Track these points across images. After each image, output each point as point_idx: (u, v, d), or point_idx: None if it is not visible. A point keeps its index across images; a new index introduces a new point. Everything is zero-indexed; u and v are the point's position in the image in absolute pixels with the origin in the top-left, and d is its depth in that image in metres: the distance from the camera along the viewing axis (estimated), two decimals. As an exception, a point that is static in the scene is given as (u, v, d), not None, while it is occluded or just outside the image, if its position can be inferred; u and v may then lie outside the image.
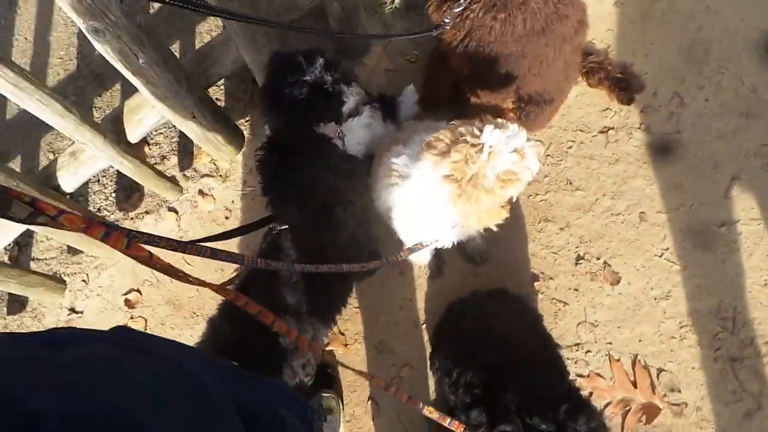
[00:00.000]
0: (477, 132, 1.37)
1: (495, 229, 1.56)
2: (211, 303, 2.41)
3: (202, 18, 2.81)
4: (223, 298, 1.27)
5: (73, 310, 2.52)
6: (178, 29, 2.85)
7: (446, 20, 1.76)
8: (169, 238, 1.03)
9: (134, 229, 1.07)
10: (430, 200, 1.56)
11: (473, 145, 1.35)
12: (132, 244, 0.94)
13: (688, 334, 2.18)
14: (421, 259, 2.24)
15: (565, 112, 2.47)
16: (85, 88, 2.79)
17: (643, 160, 2.38)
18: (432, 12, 1.85)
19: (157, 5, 2.88)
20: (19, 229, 2.17)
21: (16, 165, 2.68)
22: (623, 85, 2.39)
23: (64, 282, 2.54)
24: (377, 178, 1.87)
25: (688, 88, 2.43)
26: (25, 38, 2.89)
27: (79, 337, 0.81)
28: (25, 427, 0.51)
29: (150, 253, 0.98)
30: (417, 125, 1.95)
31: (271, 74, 1.79)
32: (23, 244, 2.65)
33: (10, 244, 2.46)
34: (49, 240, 2.61)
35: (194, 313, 2.44)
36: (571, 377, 1.71)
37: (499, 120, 1.48)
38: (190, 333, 2.41)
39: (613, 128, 2.43)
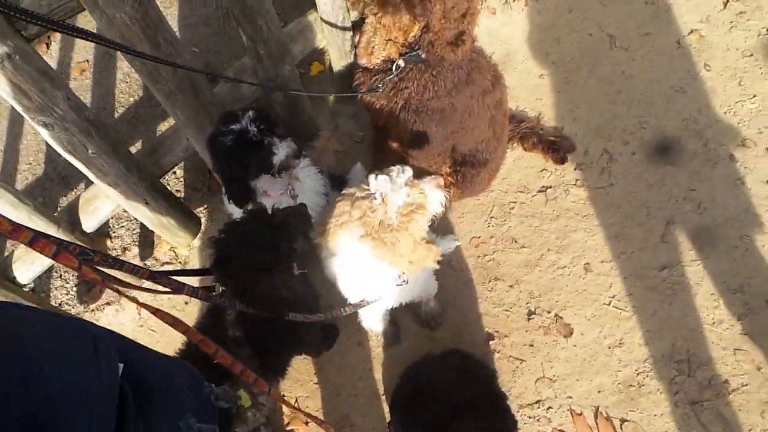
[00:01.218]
0: (365, 186, 1.48)
1: (436, 266, 1.62)
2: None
3: (163, 119, 3.01)
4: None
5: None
6: (140, 130, 3.04)
7: (380, 85, 1.92)
8: (104, 253, 1.08)
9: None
10: (361, 262, 1.64)
11: (366, 198, 1.45)
12: (61, 252, 0.95)
13: (646, 381, 2.17)
14: (375, 327, 2.26)
15: (505, 175, 2.61)
16: (51, 189, 2.93)
17: (583, 213, 2.49)
18: (359, 83, 2.02)
19: (121, 109, 3.09)
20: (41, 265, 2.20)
21: (-20, 267, 2.75)
22: (555, 146, 2.56)
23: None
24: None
25: (614, 144, 2.59)
26: (-4, 148, 3.07)
27: (5, 303, 0.87)
28: None
29: (80, 263, 0.99)
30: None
31: (214, 126, 1.89)
32: (39, 290, 2.67)
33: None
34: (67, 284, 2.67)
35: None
36: None
37: (385, 168, 1.60)
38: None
39: (551, 187, 2.56)
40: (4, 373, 0.65)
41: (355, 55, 2.11)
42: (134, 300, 1.13)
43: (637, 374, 2.19)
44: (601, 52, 2.82)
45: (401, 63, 1.86)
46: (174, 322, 1.19)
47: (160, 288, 1.27)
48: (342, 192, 1.59)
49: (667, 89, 2.67)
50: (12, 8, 0.98)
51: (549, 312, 2.33)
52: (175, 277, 1.31)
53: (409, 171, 1.52)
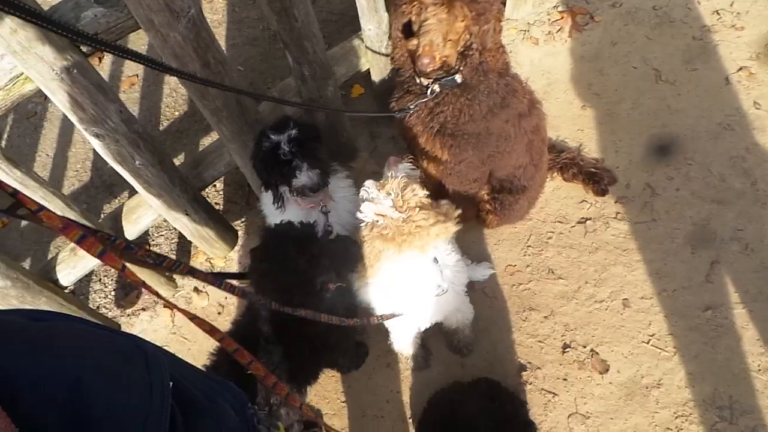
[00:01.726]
0: (376, 200, 1.57)
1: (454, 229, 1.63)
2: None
3: (206, 134, 3.08)
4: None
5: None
6: (184, 144, 3.12)
7: (411, 106, 1.95)
8: (147, 249, 1.10)
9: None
10: (400, 276, 1.67)
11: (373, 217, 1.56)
12: (106, 252, 0.97)
13: (685, 425, 2.09)
14: (406, 349, 2.24)
15: (543, 205, 2.58)
16: (96, 196, 3.02)
17: (623, 247, 2.43)
18: (395, 103, 2.05)
19: (166, 123, 3.18)
20: (83, 269, 2.27)
21: (26, 265, 2.83)
22: (596, 178, 2.52)
23: (118, 326, 2.60)
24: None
25: (658, 179, 2.54)
26: (47, 155, 3.18)
27: (57, 315, 0.88)
28: None
29: (124, 265, 1.01)
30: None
31: (257, 135, 1.98)
32: (78, 293, 2.75)
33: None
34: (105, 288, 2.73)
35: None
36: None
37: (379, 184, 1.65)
38: None
39: (590, 219, 2.52)
40: (53, 388, 0.64)
41: (395, 70, 2.15)
42: (173, 305, 1.15)
43: (676, 417, 2.10)
44: (646, 85, 2.78)
45: (436, 88, 1.88)
46: (211, 330, 1.20)
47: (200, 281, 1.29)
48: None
49: (714, 126, 2.61)
50: (71, 32, 1.03)
51: (584, 346, 2.27)
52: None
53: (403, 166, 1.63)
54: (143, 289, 1.08)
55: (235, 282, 1.44)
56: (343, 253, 1.73)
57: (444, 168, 2.13)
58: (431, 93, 1.90)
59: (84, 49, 1.63)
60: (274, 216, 2.08)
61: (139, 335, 2.38)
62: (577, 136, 2.73)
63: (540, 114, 2.13)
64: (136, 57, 1.16)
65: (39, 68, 1.53)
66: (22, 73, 1.58)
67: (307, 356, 1.79)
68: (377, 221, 1.56)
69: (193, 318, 1.16)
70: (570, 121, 2.76)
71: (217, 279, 1.34)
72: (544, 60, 2.96)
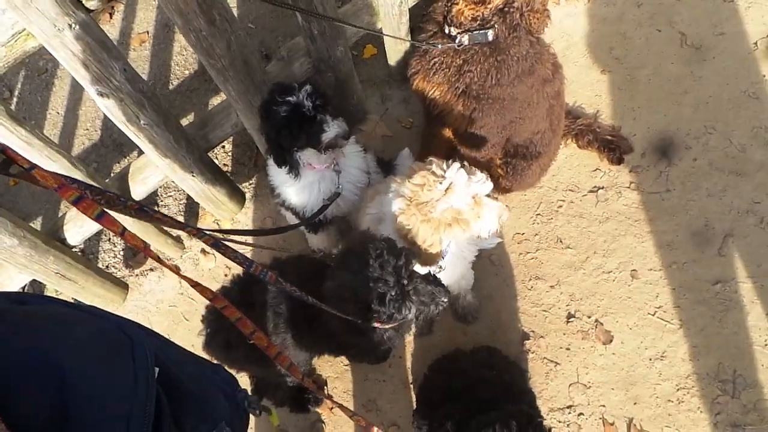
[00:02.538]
0: (444, 167, 1.45)
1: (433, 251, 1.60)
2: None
3: (216, 94, 3.05)
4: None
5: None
6: (194, 103, 3.09)
7: (438, 45, 1.85)
8: (164, 215, 1.08)
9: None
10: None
11: (435, 175, 1.43)
12: (104, 215, 0.92)
13: (686, 397, 2.08)
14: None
15: (555, 172, 2.52)
16: (106, 155, 3.02)
17: (634, 218, 2.38)
18: (414, 70, 1.98)
19: (176, 81, 3.15)
20: (90, 229, 2.29)
21: (37, 224, 2.87)
22: (612, 146, 2.45)
23: (126, 286, 2.65)
24: (363, 209, 1.97)
25: (676, 148, 2.46)
26: (57, 112, 3.17)
27: (42, 298, 0.86)
28: None
29: (124, 228, 0.96)
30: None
31: (267, 94, 1.90)
32: (88, 252, 2.80)
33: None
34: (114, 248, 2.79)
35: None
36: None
37: (472, 168, 1.56)
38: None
39: (602, 188, 2.46)
40: (35, 374, 0.64)
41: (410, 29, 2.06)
42: (176, 271, 1.13)
43: (678, 390, 2.10)
44: (670, 50, 2.67)
45: (465, 40, 1.79)
46: (214, 298, 1.18)
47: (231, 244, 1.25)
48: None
49: (738, 94, 2.51)
50: None
51: (589, 317, 2.26)
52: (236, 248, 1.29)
53: (488, 186, 1.52)
54: (125, 240, 1.03)
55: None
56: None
57: (463, 132, 2.08)
58: (459, 44, 1.81)
59: (89, 5, 1.59)
60: (285, 185, 2.06)
61: (148, 293, 2.41)
62: (595, 102, 2.64)
63: (561, 79, 2.06)
64: None
65: (41, 24, 1.50)
66: (25, 29, 1.55)
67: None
68: (439, 185, 1.50)
69: (196, 285, 1.13)
70: (588, 87, 2.67)
71: (249, 262, 1.29)
72: (564, 21, 2.84)
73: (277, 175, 2.06)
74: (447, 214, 1.45)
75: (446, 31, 1.83)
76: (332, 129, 1.81)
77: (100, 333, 0.77)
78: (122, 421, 0.68)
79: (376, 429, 1.39)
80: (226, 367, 1.20)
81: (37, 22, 1.49)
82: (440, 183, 1.46)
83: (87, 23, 1.57)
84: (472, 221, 1.47)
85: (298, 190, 2.07)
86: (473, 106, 1.91)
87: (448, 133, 2.19)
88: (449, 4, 1.76)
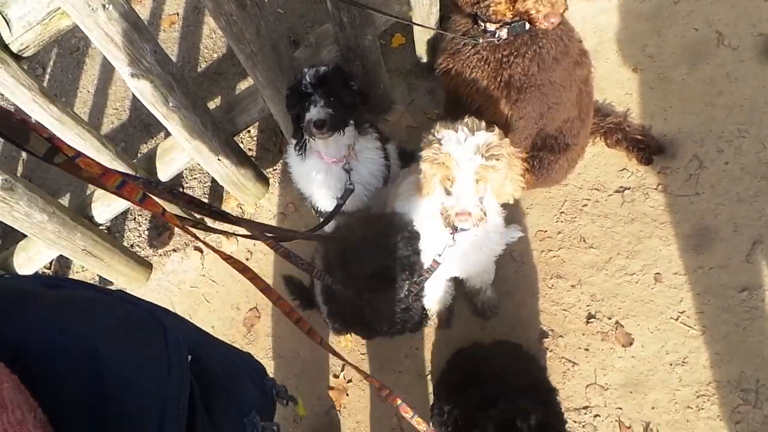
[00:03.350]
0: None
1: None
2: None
3: (244, 78, 3.06)
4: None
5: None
6: (221, 87, 3.11)
7: (476, 40, 1.84)
8: (204, 203, 1.11)
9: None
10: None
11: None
12: (146, 198, 0.97)
13: (706, 405, 2.05)
14: (434, 304, 2.24)
15: (581, 170, 2.49)
16: (134, 135, 3.06)
17: (660, 220, 2.34)
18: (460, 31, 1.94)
19: (204, 64, 3.17)
20: (117, 208, 2.34)
21: (65, 201, 2.93)
22: (642, 145, 2.40)
23: (150, 266, 2.70)
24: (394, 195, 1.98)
25: (707, 150, 2.40)
26: (88, 91, 3.22)
27: (74, 282, 0.87)
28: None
29: (164, 209, 1.02)
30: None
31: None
32: (114, 231, 2.86)
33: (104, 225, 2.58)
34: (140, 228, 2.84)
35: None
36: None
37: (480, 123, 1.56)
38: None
39: (629, 188, 2.42)
40: (71, 359, 0.63)
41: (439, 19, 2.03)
42: (209, 245, 1.16)
43: (698, 396, 2.07)
44: (706, 49, 2.60)
45: (504, 34, 1.78)
46: (243, 269, 1.21)
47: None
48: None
49: (775, 98, 2.44)
50: None
51: (610, 318, 2.23)
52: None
53: (486, 136, 1.50)
54: (174, 231, 1.09)
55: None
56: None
57: (501, 126, 2.04)
58: (498, 39, 1.80)
59: (122, -15, 1.61)
60: (294, 166, 2.07)
61: (171, 274, 2.46)
62: (625, 100, 2.59)
63: (589, 64, 2.02)
64: None
65: (74, 2, 1.52)
66: (59, 8, 1.57)
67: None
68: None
69: (228, 258, 1.20)
70: (619, 84, 2.62)
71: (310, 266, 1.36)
72: (597, 17, 2.78)
73: (291, 155, 2.07)
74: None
75: (481, 26, 1.82)
76: (312, 111, 1.78)
77: (133, 319, 0.76)
78: (158, 407, 0.67)
79: (399, 401, 1.41)
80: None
81: (71, 1, 1.51)
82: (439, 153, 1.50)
83: (120, 3, 1.59)
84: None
85: (303, 174, 2.08)
86: (516, 97, 1.88)
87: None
88: (484, 4, 1.74)
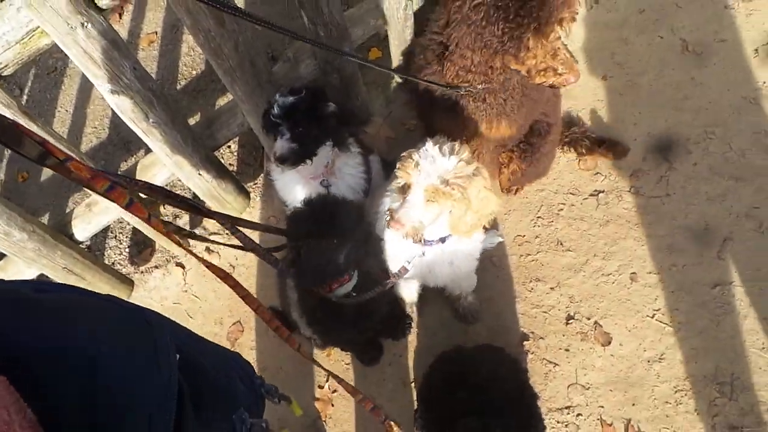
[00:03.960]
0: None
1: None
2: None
3: (223, 94, 3.09)
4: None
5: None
6: (201, 103, 3.14)
7: (479, 86, 1.78)
8: (188, 199, 1.13)
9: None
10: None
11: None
12: (133, 203, 0.99)
13: (684, 399, 2.10)
14: (411, 294, 2.28)
15: (556, 176, 2.55)
16: (113, 153, 3.07)
17: (634, 221, 2.41)
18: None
19: (184, 81, 3.19)
20: (97, 225, 2.33)
21: (44, 220, 2.91)
22: (611, 143, 2.47)
23: (131, 283, 2.68)
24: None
25: (676, 153, 2.48)
26: (66, 110, 3.23)
27: (61, 286, 0.89)
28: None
29: (149, 215, 1.04)
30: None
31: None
32: (94, 249, 2.83)
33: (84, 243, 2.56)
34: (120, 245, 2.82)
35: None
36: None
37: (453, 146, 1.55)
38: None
39: (603, 191, 2.49)
40: (63, 361, 0.65)
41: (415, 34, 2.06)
42: (193, 253, 1.18)
43: (676, 392, 2.12)
44: (671, 56, 2.70)
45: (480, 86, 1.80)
46: (225, 276, 1.23)
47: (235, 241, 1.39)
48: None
49: (738, 99, 2.53)
50: None
51: (589, 318, 2.28)
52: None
53: (458, 166, 1.48)
54: (156, 248, 1.11)
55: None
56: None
57: (499, 139, 2.06)
58: (481, 87, 1.79)
59: (101, 4, 1.63)
60: (279, 178, 2.10)
61: (153, 290, 2.46)
62: (597, 106, 2.67)
63: None
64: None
65: (54, 22, 1.54)
66: (38, 27, 1.59)
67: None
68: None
69: (210, 265, 1.22)
70: (590, 91, 2.70)
71: (247, 239, 1.39)
72: (566, 27, 2.87)
73: (273, 166, 2.07)
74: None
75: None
76: (276, 144, 1.83)
77: (122, 320, 0.79)
78: (149, 406, 0.70)
79: (372, 405, 1.43)
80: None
81: (50, 20, 1.53)
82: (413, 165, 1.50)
83: (99, 21, 1.62)
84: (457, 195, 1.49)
85: (284, 185, 2.12)
86: (511, 117, 1.91)
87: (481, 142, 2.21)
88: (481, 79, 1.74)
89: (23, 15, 1.53)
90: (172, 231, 1.17)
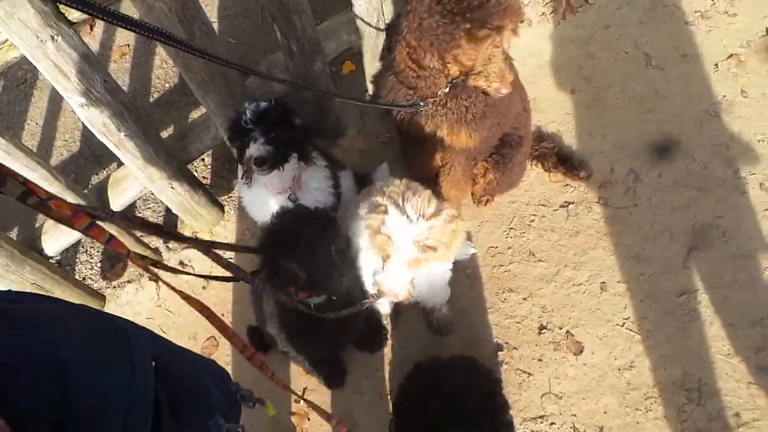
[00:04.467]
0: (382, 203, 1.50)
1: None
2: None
3: (196, 107, 3.07)
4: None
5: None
6: (173, 116, 3.11)
7: (422, 103, 1.88)
8: (170, 232, 1.12)
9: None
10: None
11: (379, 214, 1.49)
12: (113, 239, 1.01)
13: (654, 406, 2.14)
14: (385, 307, 2.31)
15: (527, 188, 2.60)
16: (84, 166, 3.02)
17: (603, 232, 2.46)
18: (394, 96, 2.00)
19: (156, 94, 3.17)
20: (67, 240, 2.29)
21: (13, 235, 2.85)
22: (575, 165, 2.53)
23: (103, 298, 2.63)
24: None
25: (642, 164, 2.56)
26: (36, 123, 3.17)
27: (36, 296, 0.89)
28: None
29: (129, 251, 1.06)
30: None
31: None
32: (65, 264, 2.77)
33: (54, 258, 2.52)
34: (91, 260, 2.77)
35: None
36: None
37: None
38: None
39: (573, 203, 2.54)
40: (36, 369, 0.65)
41: (387, 49, 2.10)
42: (167, 284, 1.18)
43: (646, 399, 2.16)
44: (636, 70, 2.79)
45: (446, 89, 1.85)
46: (201, 309, 1.24)
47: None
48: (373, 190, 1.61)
49: (700, 112, 2.63)
50: None
51: (561, 328, 2.32)
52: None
53: (427, 225, 1.48)
54: (128, 262, 1.12)
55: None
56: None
57: (465, 150, 2.10)
58: (442, 93, 1.86)
59: (71, 17, 1.62)
60: (245, 194, 2.11)
61: (126, 305, 2.41)
62: (565, 119, 2.74)
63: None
64: (123, 22, 1.13)
65: (23, 34, 1.53)
66: (7, 40, 1.57)
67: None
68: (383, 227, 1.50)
69: (187, 297, 1.22)
70: (559, 105, 2.77)
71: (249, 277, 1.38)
72: (535, 42, 2.95)
73: (240, 183, 2.10)
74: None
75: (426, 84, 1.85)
76: (252, 148, 1.82)
77: (97, 328, 0.80)
78: (121, 413, 0.71)
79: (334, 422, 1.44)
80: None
81: (19, 33, 1.52)
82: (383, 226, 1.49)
83: (69, 34, 1.61)
84: (439, 245, 1.49)
85: (251, 201, 2.12)
86: (474, 126, 1.95)
87: (444, 157, 2.24)
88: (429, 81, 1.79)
89: (-10, 28, 1.52)
90: (149, 264, 1.17)
